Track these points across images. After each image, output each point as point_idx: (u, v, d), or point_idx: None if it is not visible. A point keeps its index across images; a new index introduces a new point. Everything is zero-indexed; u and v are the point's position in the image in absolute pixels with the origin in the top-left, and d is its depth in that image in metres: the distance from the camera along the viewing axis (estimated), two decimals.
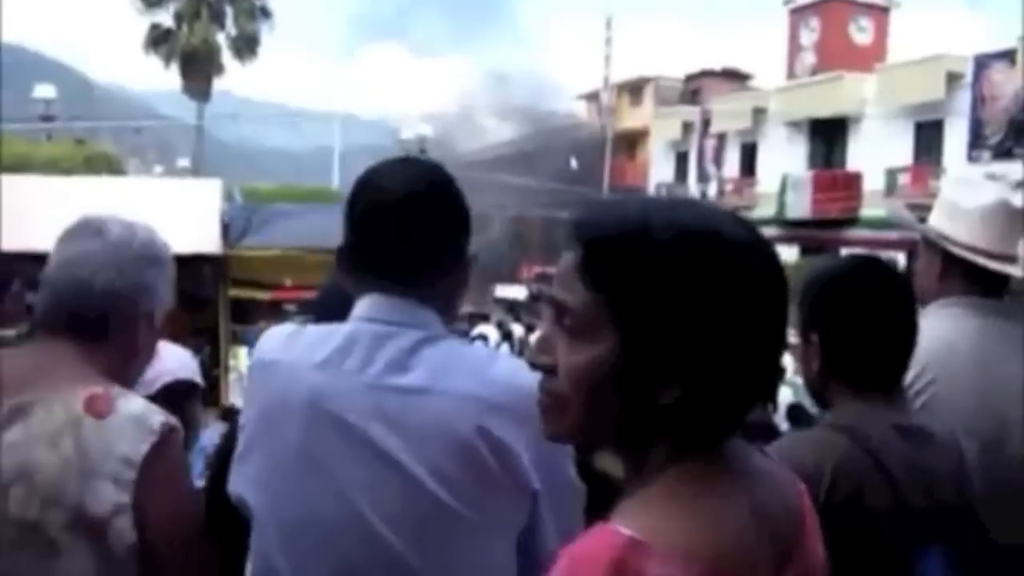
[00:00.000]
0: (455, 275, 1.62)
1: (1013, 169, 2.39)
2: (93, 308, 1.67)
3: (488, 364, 1.53)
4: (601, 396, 0.99)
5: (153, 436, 1.56)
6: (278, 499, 1.51)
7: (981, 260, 2.30)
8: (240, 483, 1.58)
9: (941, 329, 2.27)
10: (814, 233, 33.74)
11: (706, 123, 40.69)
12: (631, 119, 47.27)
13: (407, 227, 1.55)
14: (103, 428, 1.54)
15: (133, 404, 1.62)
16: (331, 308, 1.76)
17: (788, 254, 31.67)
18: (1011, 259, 2.32)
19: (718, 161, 40.32)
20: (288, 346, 1.58)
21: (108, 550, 1.51)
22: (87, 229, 1.74)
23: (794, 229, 34.49)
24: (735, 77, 46.14)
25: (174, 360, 2.58)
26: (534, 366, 1.04)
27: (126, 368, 1.74)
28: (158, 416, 1.61)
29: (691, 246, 0.95)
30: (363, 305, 1.57)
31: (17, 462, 1.50)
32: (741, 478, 1.02)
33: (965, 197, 2.36)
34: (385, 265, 1.57)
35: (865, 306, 1.77)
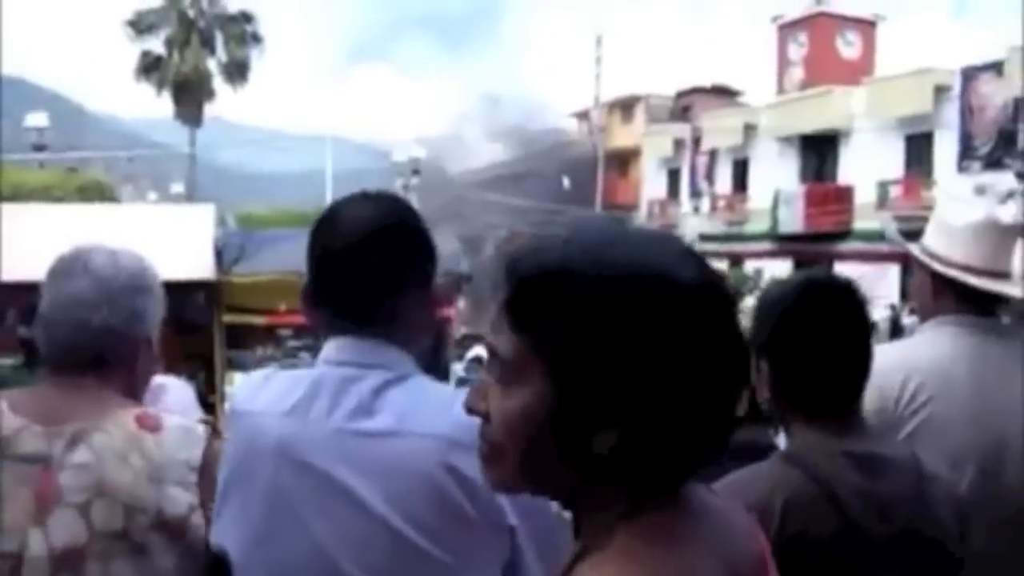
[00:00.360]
0: (419, 307, 1.61)
1: (1003, 179, 2.39)
2: (93, 347, 1.73)
3: (453, 402, 1.49)
4: (536, 444, 0.93)
5: (203, 442, 1.71)
6: (254, 548, 1.52)
7: (969, 279, 2.29)
8: (219, 533, 1.59)
9: (938, 347, 2.28)
10: (807, 247, 33.85)
11: (697, 140, 40.85)
12: (622, 137, 47.41)
13: (365, 267, 1.55)
14: (161, 441, 1.68)
15: (174, 418, 1.77)
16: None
17: (781, 269, 31.75)
18: (1001, 275, 2.31)
19: (710, 177, 40.45)
20: (258, 395, 1.59)
21: (188, 546, 1.63)
22: (75, 267, 1.76)
23: (787, 244, 34.63)
24: (725, 93, 46.37)
25: (178, 404, 2.59)
26: (471, 411, 0.99)
27: (134, 391, 1.82)
28: (198, 425, 1.78)
29: (618, 283, 0.89)
30: (328, 348, 1.58)
31: (93, 481, 1.61)
32: (703, 526, 0.97)
33: (954, 215, 2.36)
34: (346, 305, 1.57)
35: (812, 330, 1.70)
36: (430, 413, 1.48)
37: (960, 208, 2.35)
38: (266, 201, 37.34)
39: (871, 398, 2.19)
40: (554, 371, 0.90)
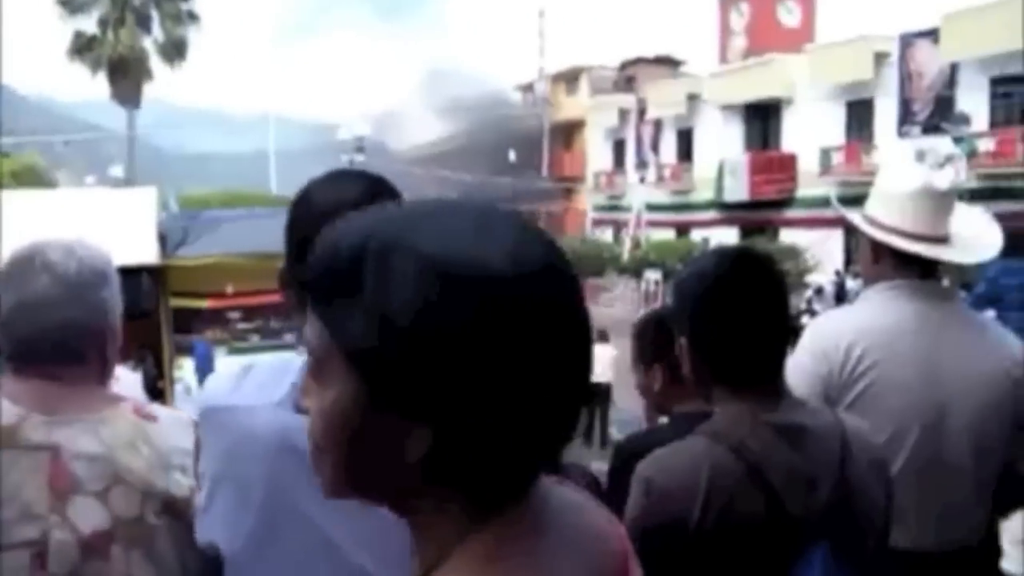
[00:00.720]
0: None
1: (941, 143, 2.43)
2: (62, 345, 1.73)
3: None
4: (354, 445, 0.85)
5: (192, 428, 1.75)
6: (255, 547, 1.47)
7: (906, 244, 2.33)
8: (209, 529, 1.54)
9: (881, 312, 2.32)
10: (753, 215, 34.21)
11: (642, 110, 40.99)
12: (568, 109, 47.46)
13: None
14: (161, 429, 1.77)
15: (163, 409, 1.88)
16: None
17: (728, 236, 32.05)
18: (939, 240, 2.35)
19: (655, 147, 40.64)
20: (239, 388, 1.53)
21: (187, 525, 1.68)
22: (32, 265, 1.74)
23: (733, 212, 34.95)
24: (669, 64, 46.55)
25: (128, 395, 2.57)
26: (299, 411, 0.92)
27: (106, 381, 1.84)
28: (183, 414, 1.86)
29: (422, 267, 0.80)
30: None
31: (110, 470, 1.67)
32: (556, 532, 0.90)
33: (892, 182, 2.40)
34: None
35: (731, 304, 1.71)
36: None
37: (897, 175, 2.39)
38: (209, 182, 36.81)
39: (817, 364, 2.23)
40: (356, 366, 0.82)
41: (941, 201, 2.34)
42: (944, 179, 2.33)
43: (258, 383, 1.52)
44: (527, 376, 0.81)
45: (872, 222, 2.40)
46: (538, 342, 0.82)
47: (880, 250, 2.39)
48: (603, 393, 15.84)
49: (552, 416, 0.85)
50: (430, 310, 0.79)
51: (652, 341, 2.61)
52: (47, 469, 1.63)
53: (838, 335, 2.27)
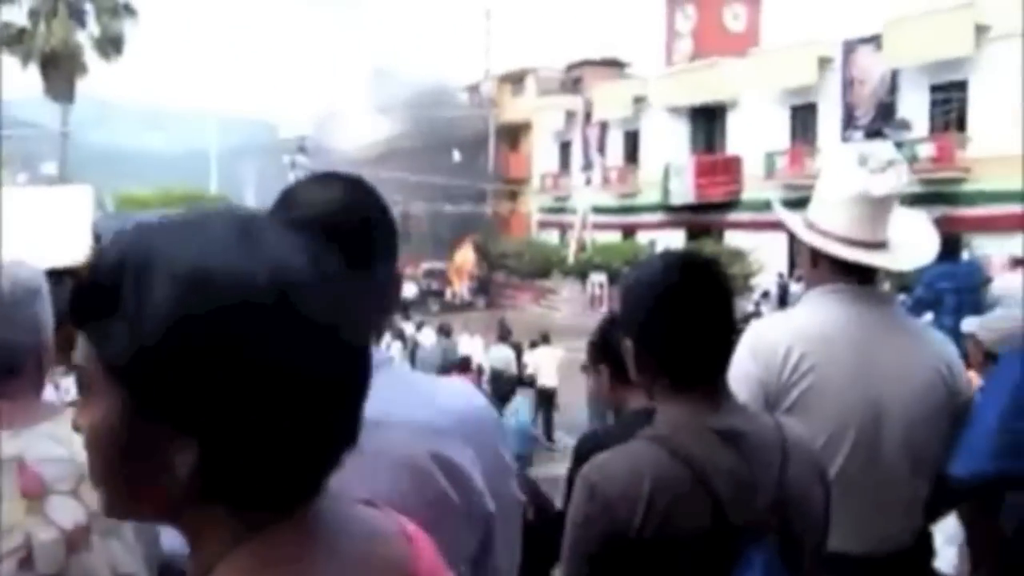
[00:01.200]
0: (385, 296, 1.58)
1: (883, 148, 2.47)
2: (3, 364, 1.77)
3: (432, 390, 1.53)
4: (123, 460, 0.85)
5: None
6: None
7: (839, 250, 2.36)
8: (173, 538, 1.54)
9: (820, 316, 2.35)
10: (698, 218, 34.57)
11: (588, 112, 41.18)
12: (513, 110, 47.52)
13: (336, 248, 1.51)
14: None
15: None
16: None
17: (674, 239, 32.33)
18: (875, 246, 2.39)
19: (601, 149, 40.87)
20: None
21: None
22: None
23: (679, 214, 35.29)
24: (615, 65, 46.88)
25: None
26: (75, 428, 0.91)
27: (41, 392, 1.88)
28: None
29: (177, 278, 0.80)
30: None
31: (76, 470, 1.69)
32: (327, 551, 0.90)
33: (829, 187, 2.44)
34: None
35: (676, 307, 1.74)
36: (415, 402, 1.48)
37: (836, 180, 2.42)
38: (146, 181, 36.24)
39: (757, 368, 2.25)
40: (119, 380, 0.82)
41: (879, 206, 2.37)
42: (882, 185, 2.36)
43: None
44: (289, 391, 0.82)
45: (811, 227, 2.43)
46: (300, 356, 0.82)
47: (819, 255, 2.42)
48: (548, 397, 15.84)
49: (319, 432, 0.86)
50: (184, 324, 0.79)
51: (601, 342, 2.66)
52: (17, 479, 1.67)
53: (777, 339, 2.30)
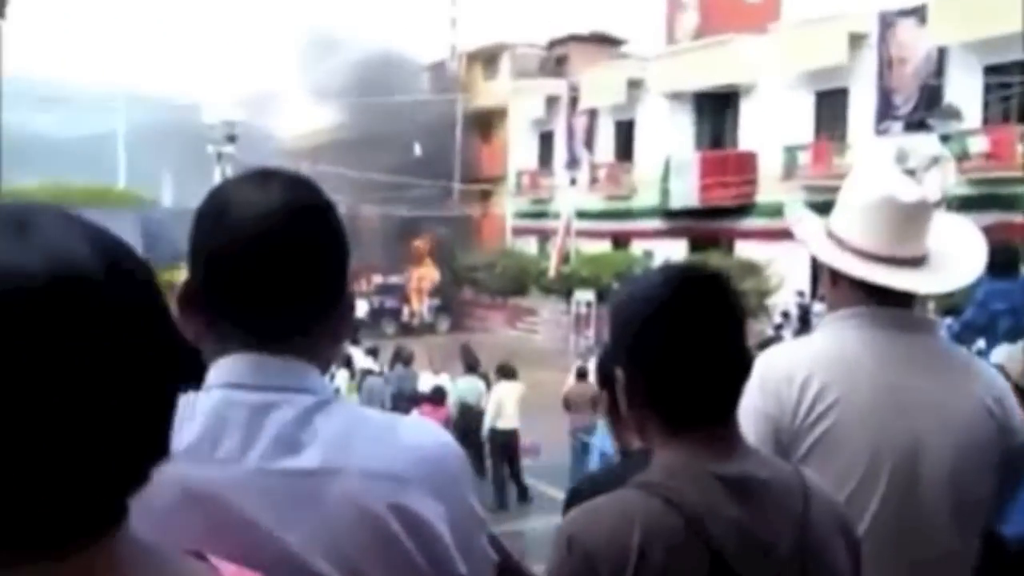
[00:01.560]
0: (335, 318, 1.58)
1: (926, 142, 2.46)
2: None
3: (392, 431, 1.52)
4: None
5: None
6: None
7: (851, 264, 2.36)
8: None
9: (840, 343, 2.36)
10: (704, 225, 34.64)
11: (574, 98, 41.30)
12: (485, 95, 47.62)
13: (276, 265, 1.49)
14: None
15: None
16: None
17: (675, 250, 32.38)
18: (905, 262, 2.37)
19: (589, 143, 41.00)
20: None
21: None
22: None
23: (680, 221, 35.36)
24: (606, 43, 47.02)
25: None
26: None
27: None
28: None
29: None
30: (226, 368, 1.50)
31: None
32: None
33: (853, 191, 2.44)
34: (250, 315, 1.50)
35: (670, 330, 1.73)
36: (370, 445, 1.47)
37: (861, 182, 2.43)
38: (41, 173, 35.92)
39: (766, 403, 2.25)
40: None
41: (911, 214, 2.37)
42: (912, 188, 2.36)
43: None
44: (68, 402, 0.86)
45: (831, 236, 2.43)
46: (81, 352, 0.87)
47: (839, 272, 2.43)
48: (510, 442, 15.69)
49: (101, 453, 0.89)
50: None
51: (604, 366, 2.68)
52: None
53: (791, 368, 2.30)
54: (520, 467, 15.69)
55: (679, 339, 1.72)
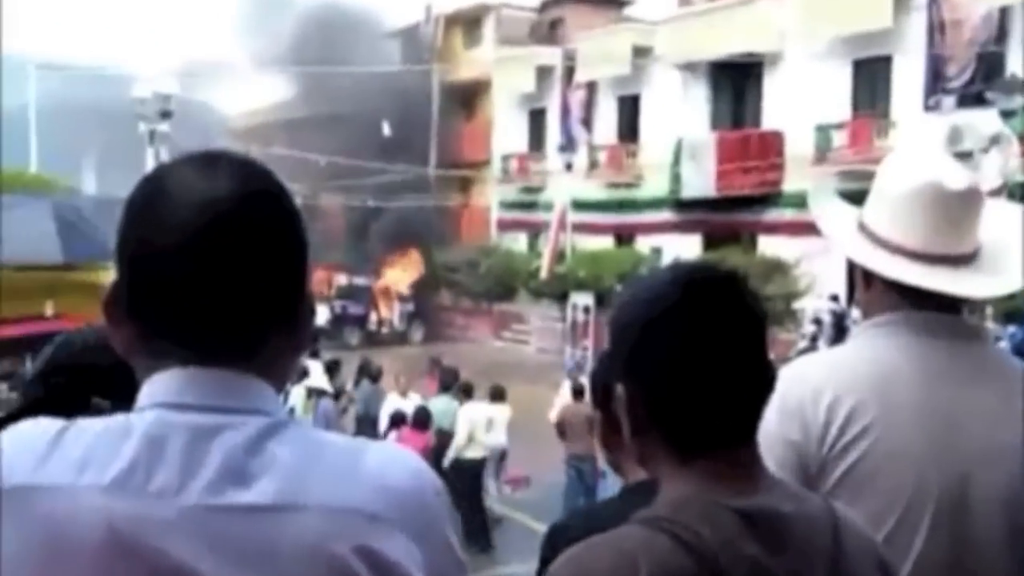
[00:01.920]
0: (292, 327, 1.57)
1: (985, 119, 2.46)
2: None
3: (358, 459, 1.50)
4: None
5: None
6: None
7: (882, 262, 2.36)
8: None
9: (873, 355, 2.36)
10: (721, 217, 34.64)
11: (570, 69, 41.31)
12: (466, 65, 47.65)
13: (222, 265, 1.48)
14: None
15: None
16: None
17: (688, 246, 32.41)
18: (951, 260, 2.37)
19: (587, 122, 41.03)
20: (47, 461, 1.45)
21: None
22: None
23: (693, 213, 35.39)
24: (608, 4, 47.09)
25: None
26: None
27: None
28: None
29: None
30: (162, 385, 1.49)
31: None
32: None
33: (890, 178, 2.43)
34: (191, 322, 1.48)
35: (678, 339, 1.72)
36: (332, 476, 1.46)
37: (898, 166, 2.43)
38: None
39: (789, 432, 2.26)
40: None
41: (960, 204, 2.37)
42: (959, 176, 2.35)
43: (77, 454, 1.45)
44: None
45: (863, 230, 2.44)
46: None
47: (871, 271, 2.44)
48: (477, 474, 15.61)
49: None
50: None
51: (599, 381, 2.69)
52: None
53: (818, 386, 2.29)
54: (484, 506, 15.55)
55: (688, 349, 1.71)
